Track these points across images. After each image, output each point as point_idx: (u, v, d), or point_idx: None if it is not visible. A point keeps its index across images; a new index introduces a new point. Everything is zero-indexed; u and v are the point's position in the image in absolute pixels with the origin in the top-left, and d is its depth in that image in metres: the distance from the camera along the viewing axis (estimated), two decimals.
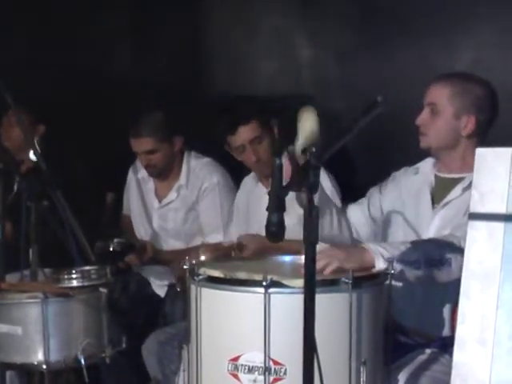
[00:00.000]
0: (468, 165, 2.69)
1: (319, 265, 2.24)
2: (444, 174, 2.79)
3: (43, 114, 4.04)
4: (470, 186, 2.61)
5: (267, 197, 3.31)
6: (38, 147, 3.06)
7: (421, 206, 2.77)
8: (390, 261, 2.33)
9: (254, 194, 3.59)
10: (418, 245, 2.51)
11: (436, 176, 2.81)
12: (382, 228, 2.85)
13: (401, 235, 2.74)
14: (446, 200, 2.72)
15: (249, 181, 3.68)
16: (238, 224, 3.67)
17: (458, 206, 2.66)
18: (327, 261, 2.30)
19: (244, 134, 3.44)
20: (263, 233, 3.24)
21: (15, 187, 3.58)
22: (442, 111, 2.71)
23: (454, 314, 2.58)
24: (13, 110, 3.13)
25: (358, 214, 2.89)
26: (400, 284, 2.49)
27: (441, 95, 2.71)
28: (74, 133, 4.35)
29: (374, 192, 2.94)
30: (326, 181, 3.38)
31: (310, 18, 4.09)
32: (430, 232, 2.69)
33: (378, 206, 2.89)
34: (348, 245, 2.72)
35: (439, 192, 2.77)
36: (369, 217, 2.89)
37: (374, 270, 2.35)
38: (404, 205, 2.81)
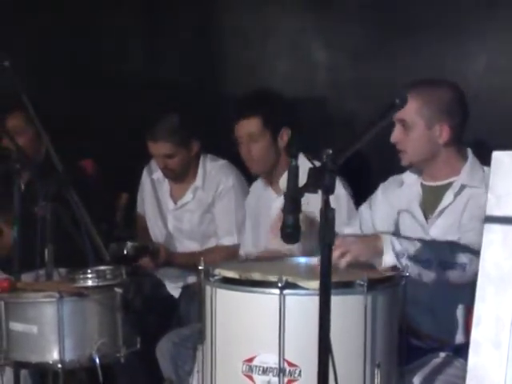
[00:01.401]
0: (453, 169, 2.69)
1: (335, 254, 2.24)
2: (430, 183, 2.75)
3: (52, 115, 4.00)
4: (461, 190, 2.64)
5: (277, 201, 3.36)
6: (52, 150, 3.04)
7: (413, 219, 2.73)
8: (399, 254, 2.34)
9: (264, 198, 3.58)
10: (433, 245, 2.51)
11: (423, 185, 2.77)
12: None
13: None
14: (439, 208, 2.69)
15: (258, 185, 3.66)
16: (249, 228, 3.66)
17: (454, 212, 2.65)
18: (342, 250, 2.31)
19: (243, 126, 3.43)
20: (270, 236, 3.28)
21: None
22: (414, 125, 2.66)
23: (468, 319, 2.58)
24: (29, 112, 3.10)
25: None
26: (414, 288, 2.46)
27: (409, 110, 2.59)
28: (86, 133, 4.36)
29: (364, 210, 2.92)
30: (340, 188, 3.36)
31: (324, 19, 4.09)
32: None
33: (371, 224, 2.87)
34: (363, 234, 2.75)
35: (429, 201, 2.74)
36: None
37: (383, 266, 2.37)
38: (397, 219, 2.77)
